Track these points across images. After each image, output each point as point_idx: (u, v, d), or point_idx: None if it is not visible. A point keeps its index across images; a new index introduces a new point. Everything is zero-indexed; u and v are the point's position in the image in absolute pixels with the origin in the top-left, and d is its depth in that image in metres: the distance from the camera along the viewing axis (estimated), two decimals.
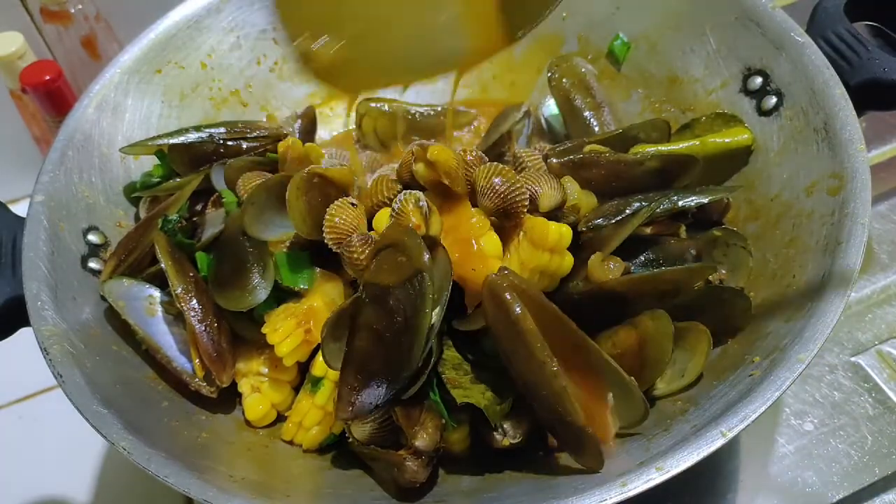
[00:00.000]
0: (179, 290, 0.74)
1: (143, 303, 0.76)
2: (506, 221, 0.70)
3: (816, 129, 0.74)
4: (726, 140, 0.83)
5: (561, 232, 0.68)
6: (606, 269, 0.69)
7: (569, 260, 0.70)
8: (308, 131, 0.99)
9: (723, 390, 0.62)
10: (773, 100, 0.80)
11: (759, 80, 0.82)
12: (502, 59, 1.03)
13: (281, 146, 0.82)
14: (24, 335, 0.72)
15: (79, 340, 0.70)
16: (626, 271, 0.71)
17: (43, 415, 1.00)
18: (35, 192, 0.79)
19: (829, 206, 0.69)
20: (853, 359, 0.90)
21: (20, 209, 0.79)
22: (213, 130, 0.88)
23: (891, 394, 0.87)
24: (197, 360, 0.74)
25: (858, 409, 0.86)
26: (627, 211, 0.73)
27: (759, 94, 0.82)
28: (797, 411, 0.86)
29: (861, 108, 0.74)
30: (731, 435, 0.56)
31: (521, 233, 0.69)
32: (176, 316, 0.76)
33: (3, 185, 1.13)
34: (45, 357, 0.68)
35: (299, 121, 0.98)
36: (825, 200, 0.70)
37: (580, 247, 0.72)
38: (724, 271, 0.76)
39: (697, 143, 0.84)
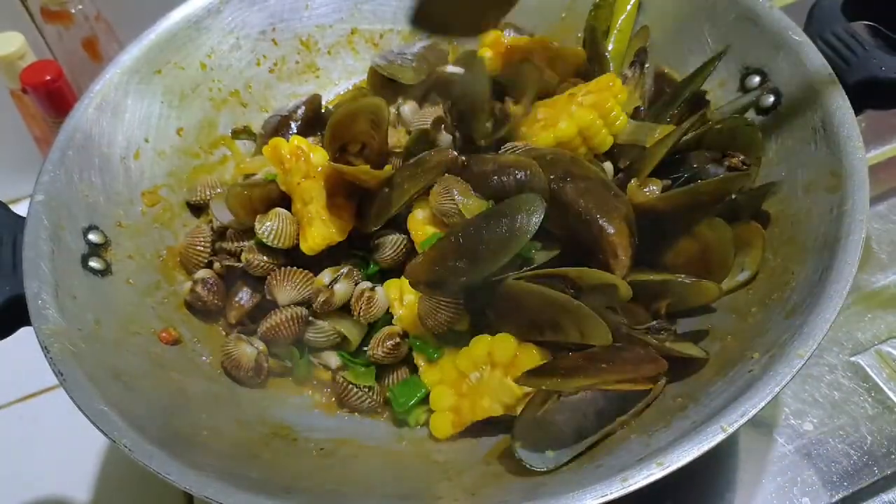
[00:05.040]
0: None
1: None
2: None
3: (814, 127, 0.74)
4: None
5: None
6: (643, 191, 0.75)
7: (609, 139, 0.80)
8: (310, 121, 0.96)
9: (722, 386, 0.62)
10: (771, 98, 0.80)
11: (756, 79, 0.82)
12: None
13: (266, 150, 0.82)
14: (25, 335, 0.72)
15: (79, 339, 0.70)
16: (666, 188, 0.76)
17: (43, 415, 1.00)
18: (35, 191, 0.79)
19: (828, 203, 0.69)
20: (853, 358, 0.90)
21: (20, 209, 0.79)
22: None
23: (890, 393, 0.87)
24: None
25: (858, 409, 0.86)
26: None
27: (757, 93, 0.82)
28: (796, 411, 0.86)
29: (859, 107, 0.75)
30: (731, 430, 0.56)
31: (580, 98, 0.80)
32: None
33: (4, 186, 1.13)
34: (45, 355, 0.68)
35: (302, 108, 0.97)
36: (823, 198, 0.70)
37: (624, 172, 0.81)
38: (740, 157, 0.78)
39: None
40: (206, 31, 0.97)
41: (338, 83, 1.05)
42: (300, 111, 0.96)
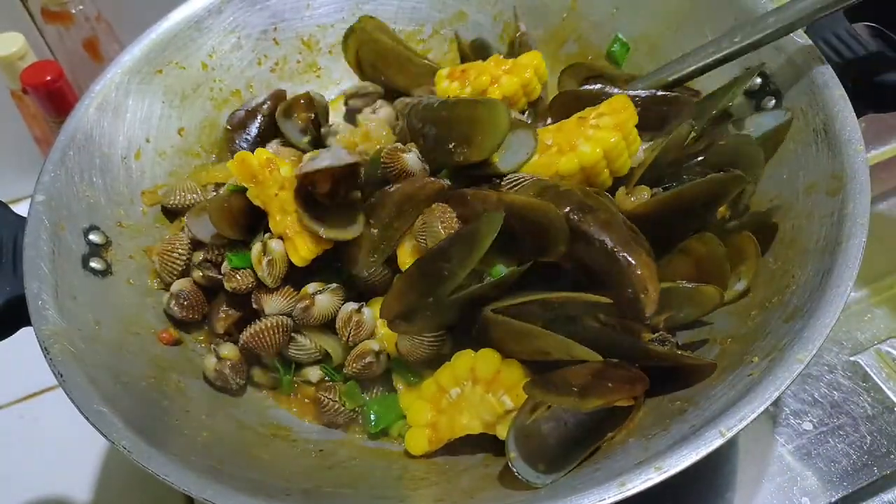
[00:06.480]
0: None
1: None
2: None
3: (816, 129, 0.74)
4: None
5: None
6: (630, 198, 0.75)
7: (629, 162, 0.78)
8: (271, 113, 0.96)
9: (722, 390, 0.62)
10: (773, 101, 0.80)
11: (758, 80, 0.82)
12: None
13: (231, 166, 0.79)
14: (25, 335, 0.72)
15: (79, 340, 0.71)
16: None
17: (43, 415, 1.00)
18: (36, 191, 0.79)
19: (829, 206, 0.69)
20: (852, 358, 0.91)
21: (21, 209, 0.79)
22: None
23: (890, 393, 0.87)
24: None
25: (857, 409, 0.86)
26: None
27: (758, 95, 0.82)
28: (796, 411, 0.87)
29: (860, 109, 0.74)
30: (729, 434, 0.56)
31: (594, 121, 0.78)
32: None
33: (4, 186, 1.14)
34: (45, 356, 0.68)
35: (267, 102, 0.96)
36: (824, 201, 0.70)
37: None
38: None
39: None
40: (207, 30, 0.97)
41: (339, 82, 1.05)
42: (266, 105, 0.96)
